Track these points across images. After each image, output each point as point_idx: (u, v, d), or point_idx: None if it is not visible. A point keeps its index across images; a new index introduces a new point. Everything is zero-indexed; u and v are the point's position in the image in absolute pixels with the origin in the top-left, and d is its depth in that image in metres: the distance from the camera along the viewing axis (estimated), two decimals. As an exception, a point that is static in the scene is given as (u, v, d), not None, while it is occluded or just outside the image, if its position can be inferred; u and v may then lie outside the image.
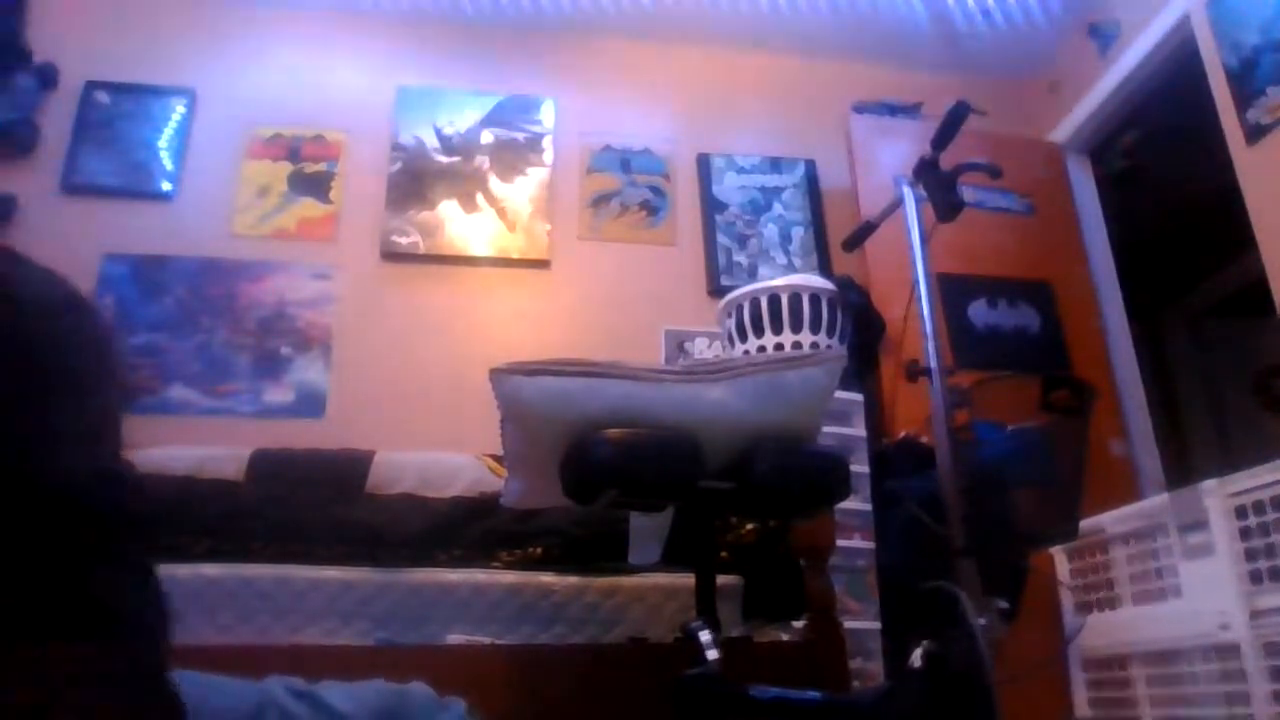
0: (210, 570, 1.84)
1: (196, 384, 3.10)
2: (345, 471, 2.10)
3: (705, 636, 1.43)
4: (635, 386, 1.56)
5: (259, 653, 1.76)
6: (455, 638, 1.84)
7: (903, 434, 2.65)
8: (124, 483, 0.71)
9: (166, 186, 3.38)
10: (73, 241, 3.13)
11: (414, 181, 3.51)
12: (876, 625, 2.37)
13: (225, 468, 2.04)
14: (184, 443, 2.28)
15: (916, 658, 1.43)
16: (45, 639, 0.59)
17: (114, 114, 3.42)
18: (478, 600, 1.92)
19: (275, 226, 3.40)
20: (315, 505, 1.98)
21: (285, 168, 3.49)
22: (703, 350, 3.28)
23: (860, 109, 3.59)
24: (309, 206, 3.45)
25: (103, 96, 3.43)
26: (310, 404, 3.14)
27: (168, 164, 3.41)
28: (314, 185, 3.49)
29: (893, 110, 3.54)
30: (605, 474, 1.50)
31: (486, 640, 1.84)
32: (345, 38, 3.72)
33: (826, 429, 2.48)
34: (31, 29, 3.40)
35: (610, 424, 1.50)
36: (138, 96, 3.46)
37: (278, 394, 3.14)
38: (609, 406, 1.52)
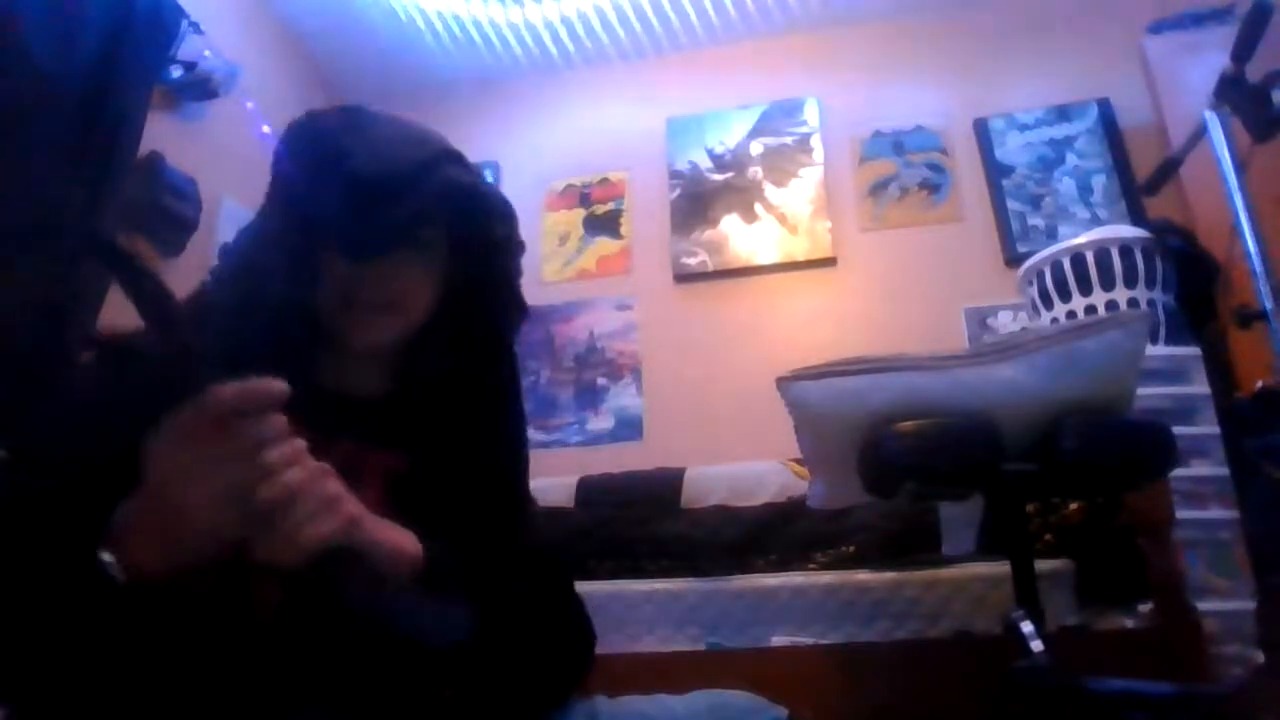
0: (555, 588, 2.06)
1: (531, 421, 3.42)
2: (659, 489, 2.27)
3: (1027, 627, 1.37)
4: (920, 376, 1.54)
5: (608, 661, 1.94)
6: (779, 640, 1.91)
7: (1259, 384, 2.34)
8: None
9: (486, 250, 3.80)
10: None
11: (694, 203, 3.66)
12: (1253, 605, 2.09)
13: (557, 495, 2.29)
14: (525, 476, 2.57)
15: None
16: None
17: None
18: (798, 601, 1.98)
19: (578, 269, 3.71)
20: (637, 523, 2.16)
21: (579, 213, 3.80)
22: (1007, 324, 3.10)
23: (1157, 28, 3.19)
24: (604, 245, 3.72)
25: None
26: (628, 428, 3.38)
27: (484, 230, 3.85)
28: (605, 224, 3.76)
29: (1197, 19, 3.09)
30: (900, 467, 1.50)
31: (809, 641, 1.89)
32: (616, 83, 3.99)
33: (1159, 390, 2.26)
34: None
35: (900, 417, 1.50)
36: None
37: (599, 422, 3.41)
38: (896, 399, 1.52)
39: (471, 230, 0.95)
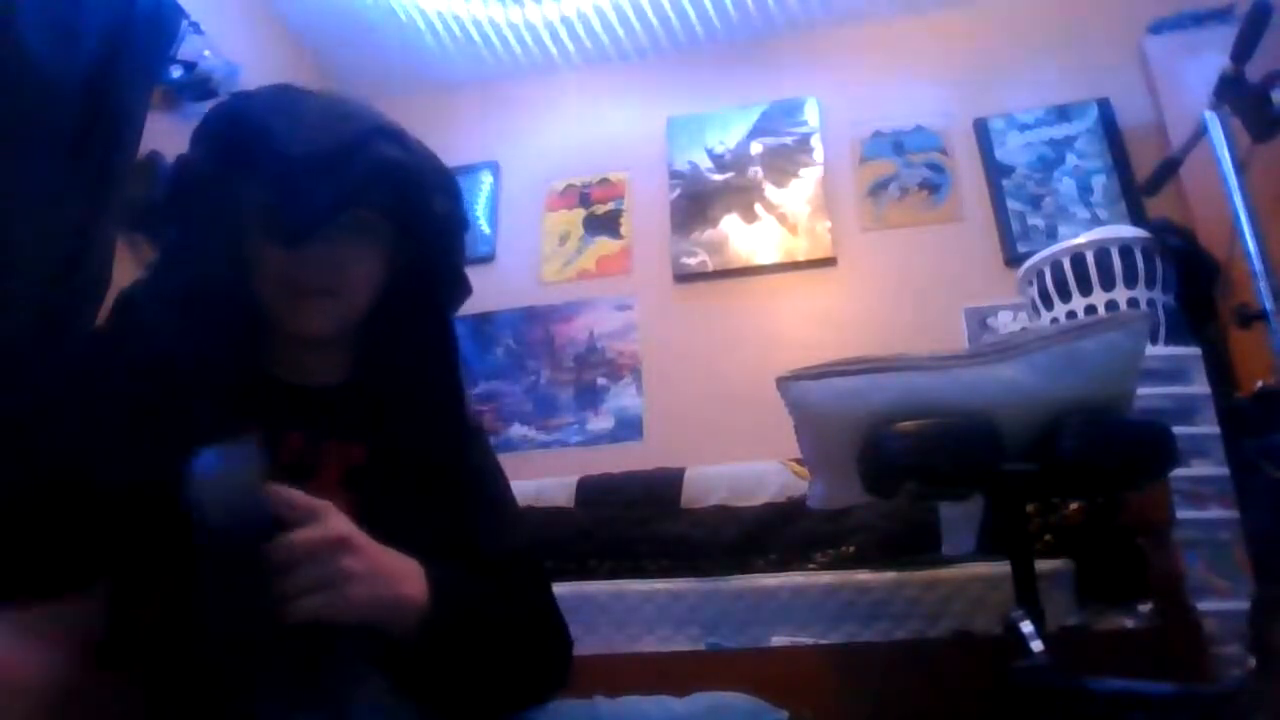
0: (555, 589, 2.06)
1: (530, 421, 3.46)
2: (660, 489, 2.27)
3: (1027, 627, 1.37)
4: (920, 376, 1.54)
5: (612, 662, 1.94)
6: (779, 640, 1.91)
7: (1259, 384, 2.34)
8: None
9: (486, 250, 3.80)
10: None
11: (694, 203, 3.65)
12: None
13: (557, 495, 2.29)
14: (523, 476, 2.56)
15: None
16: None
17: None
18: (798, 602, 1.98)
19: (578, 269, 3.70)
20: (637, 523, 2.16)
21: (579, 213, 3.80)
22: (1007, 324, 3.09)
23: (1157, 28, 3.19)
24: (604, 245, 3.72)
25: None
26: (629, 428, 3.38)
27: (485, 229, 3.84)
28: (605, 224, 3.76)
29: (1197, 19, 3.09)
30: (900, 467, 1.50)
31: (809, 641, 1.89)
32: (616, 83, 3.99)
33: (1159, 390, 2.27)
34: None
35: (900, 417, 1.50)
36: (458, 176, 3.94)
37: (599, 422, 3.41)
38: (896, 399, 1.52)
39: (407, 208, 0.91)
